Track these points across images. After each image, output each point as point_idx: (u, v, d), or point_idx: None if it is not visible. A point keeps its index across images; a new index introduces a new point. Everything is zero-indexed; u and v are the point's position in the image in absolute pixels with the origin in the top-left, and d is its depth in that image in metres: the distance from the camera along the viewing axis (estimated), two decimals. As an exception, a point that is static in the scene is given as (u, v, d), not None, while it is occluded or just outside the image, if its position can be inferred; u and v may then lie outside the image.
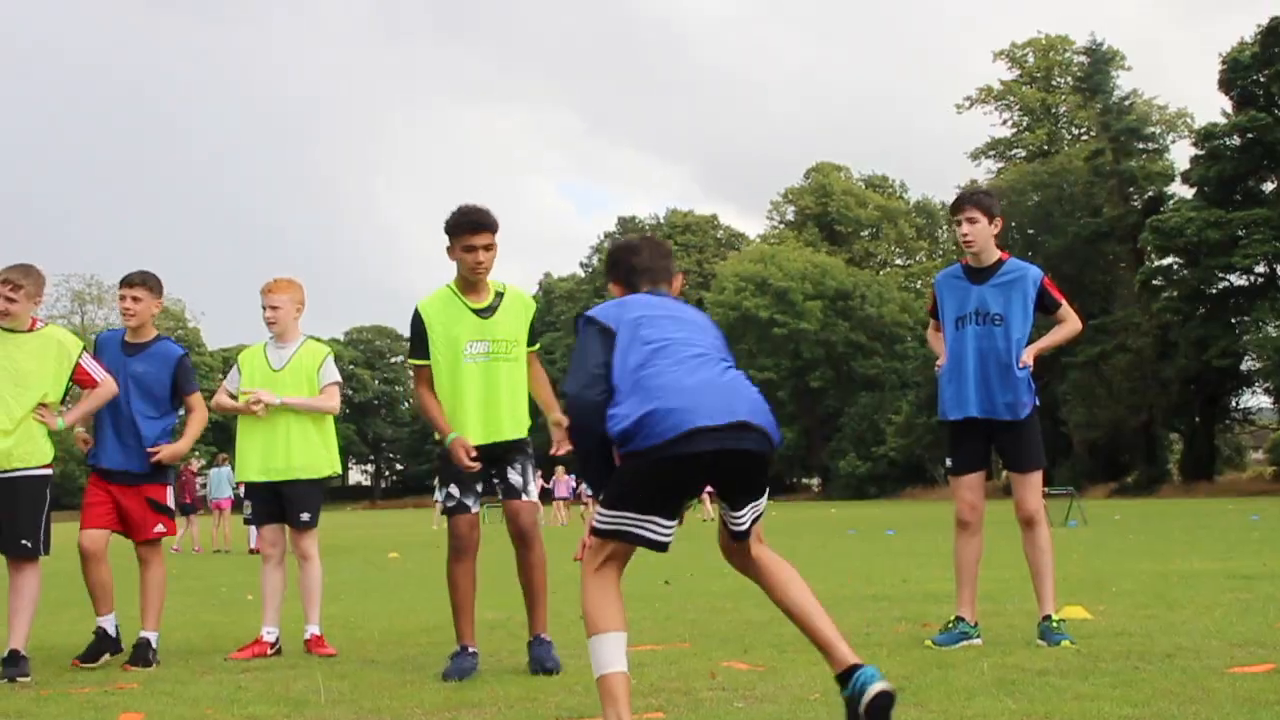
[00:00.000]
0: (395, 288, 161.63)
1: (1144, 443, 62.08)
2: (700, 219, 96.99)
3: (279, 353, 7.79)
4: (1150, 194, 63.45)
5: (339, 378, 7.88)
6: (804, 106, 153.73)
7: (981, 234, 6.93)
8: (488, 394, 6.38)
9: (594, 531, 4.01)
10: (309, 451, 7.68)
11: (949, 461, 7.13)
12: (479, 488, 6.43)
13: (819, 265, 77.87)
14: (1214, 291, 58.48)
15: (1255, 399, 64.16)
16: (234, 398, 7.75)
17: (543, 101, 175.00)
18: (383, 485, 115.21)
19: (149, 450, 7.36)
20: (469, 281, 6.42)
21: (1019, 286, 6.94)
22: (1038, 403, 7.03)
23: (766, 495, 4.20)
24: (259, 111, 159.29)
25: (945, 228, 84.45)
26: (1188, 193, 59.83)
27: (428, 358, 6.43)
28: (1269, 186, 57.20)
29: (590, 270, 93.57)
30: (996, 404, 6.90)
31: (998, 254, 7.03)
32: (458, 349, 6.38)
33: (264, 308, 7.77)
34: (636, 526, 3.92)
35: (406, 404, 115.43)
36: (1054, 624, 6.74)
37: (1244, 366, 59.35)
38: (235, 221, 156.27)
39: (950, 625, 6.86)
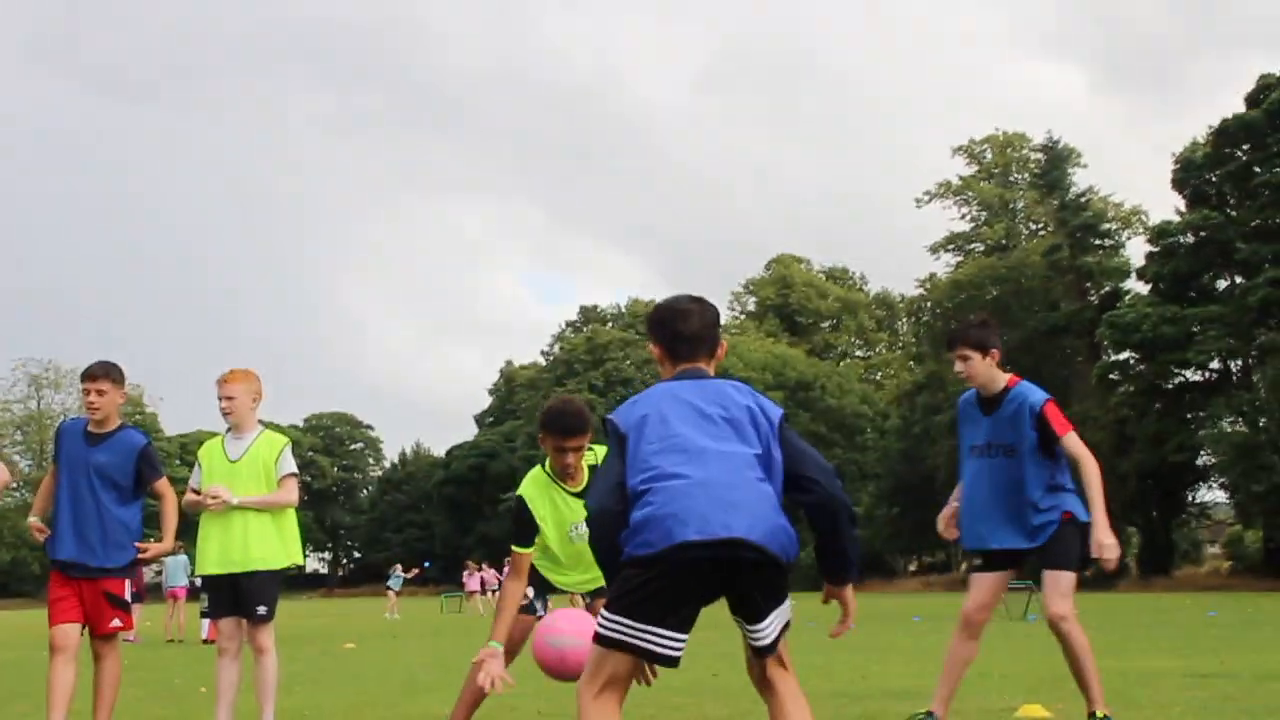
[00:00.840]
0: (356, 375, 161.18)
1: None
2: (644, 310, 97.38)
3: (236, 444, 7.76)
4: (1106, 289, 64.28)
5: (295, 469, 7.84)
6: (764, 199, 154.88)
7: (977, 369, 6.86)
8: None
9: (595, 638, 3.75)
10: (266, 543, 7.62)
11: (979, 560, 7.03)
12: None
13: (780, 356, 78.25)
14: (1170, 387, 59.09)
15: (1211, 494, 64.55)
16: (197, 493, 7.72)
17: (505, 192, 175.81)
18: (340, 573, 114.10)
19: (138, 546, 7.34)
20: (562, 474, 6.45)
21: (1020, 416, 6.78)
22: (1070, 510, 6.77)
23: (788, 604, 3.85)
24: (219, 196, 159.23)
25: (904, 320, 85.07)
26: (1143, 289, 60.62)
27: (531, 545, 6.40)
28: (1222, 284, 58.04)
29: (551, 358, 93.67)
30: (1017, 535, 6.81)
31: (1003, 381, 6.90)
32: (564, 531, 6.47)
33: (220, 399, 7.74)
34: (633, 637, 3.63)
35: (365, 491, 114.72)
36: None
37: (1200, 461, 59.75)
38: (194, 306, 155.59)
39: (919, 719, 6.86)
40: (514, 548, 6.34)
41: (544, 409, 6.34)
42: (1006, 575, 6.95)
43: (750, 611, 3.75)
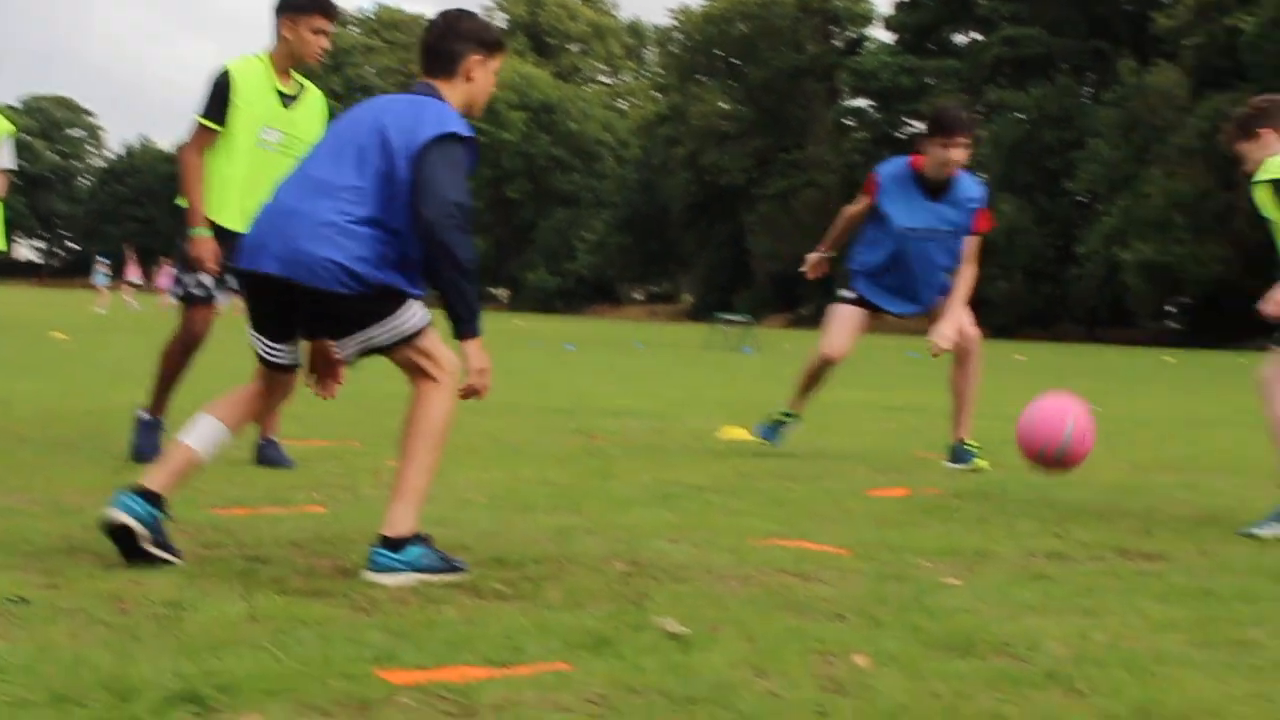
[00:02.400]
0: (79, 56, 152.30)
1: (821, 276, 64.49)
2: (410, 19, 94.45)
3: None
4: (851, 35, 65.04)
5: (13, 165, 7.47)
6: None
7: (966, 160, 6.85)
8: (265, 187, 5.96)
9: None
10: None
11: (845, 293, 7.31)
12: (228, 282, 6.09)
13: (525, 76, 77.17)
14: (902, 136, 60.67)
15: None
16: None
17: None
18: (54, 264, 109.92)
19: None
20: (291, 62, 6.02)
21: (968, 207, 7.03)
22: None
23: (386, 325, 3.76)
24: None
25: (654, 49, 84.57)
26: (887, 38, 61.56)
27: (223, 124, 5.88)
28: (960, 38, 59.36)
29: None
30: (914, 304, 7.27)
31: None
32: (254, 129, 5.95)
33: None
34: (252, 335, 3.92)
35: (84, 181, 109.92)
36: (967, 445, 7.13)
37: (921, 211, 62.08)
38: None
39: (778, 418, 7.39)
40: (200, 119, 5.86)
41: None
42: (867, 316, 7.34)
43: (321, 329, 3.94)
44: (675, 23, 72.74)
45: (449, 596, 3.49)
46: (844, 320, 7.26)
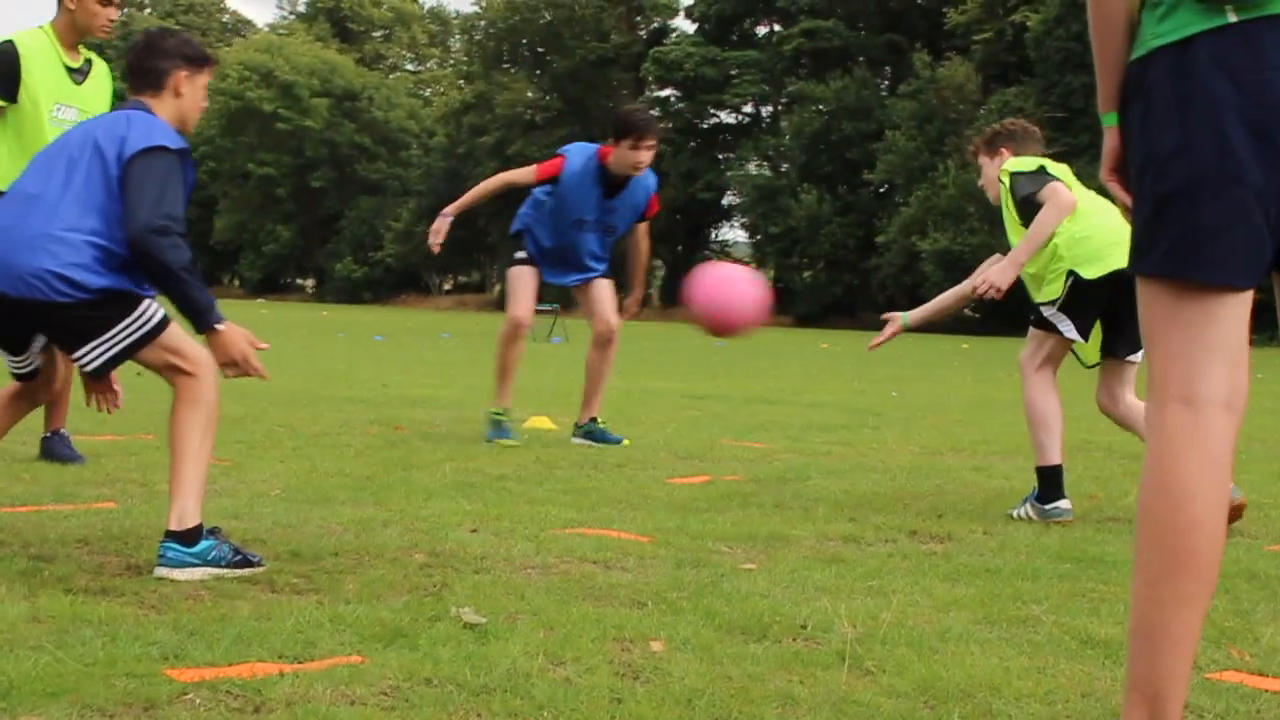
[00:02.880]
0: None
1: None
2: (205, 1, 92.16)
3: None
4: (656, 25, 65.48)
5: None
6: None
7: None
8: None
9: None
10: None
11: (521, 253, 7.52)
12: None
13: (328, 62, 75.87)
14: (706, 127, 61.42)
15: (733, 232, 68.31)
16: None
17: None
18: None
19: None
20: (76, 36, 5.74)
21: (640, 200, 7.46)
22: None
23: (117, 333, 3.70)
24: None
25: (458, 37, 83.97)
26: (690, 28, 62.13)
27: (14, 101, 5.58)
28: (762, 30, 60.21)
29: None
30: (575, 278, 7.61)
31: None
32: (47, 106, 5.65)
33: None
34: None
35: None
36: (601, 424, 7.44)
37: (725, 201, 62.88)
38: None
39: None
40: None
41: None
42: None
43: (58, 344, 3.86)
44: (478, 10, 72.34)
45: (242, 591, 3.43)
46: (526, 282, 7.47)
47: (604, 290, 7.52)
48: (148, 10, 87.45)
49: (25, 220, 3.66)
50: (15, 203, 3.74)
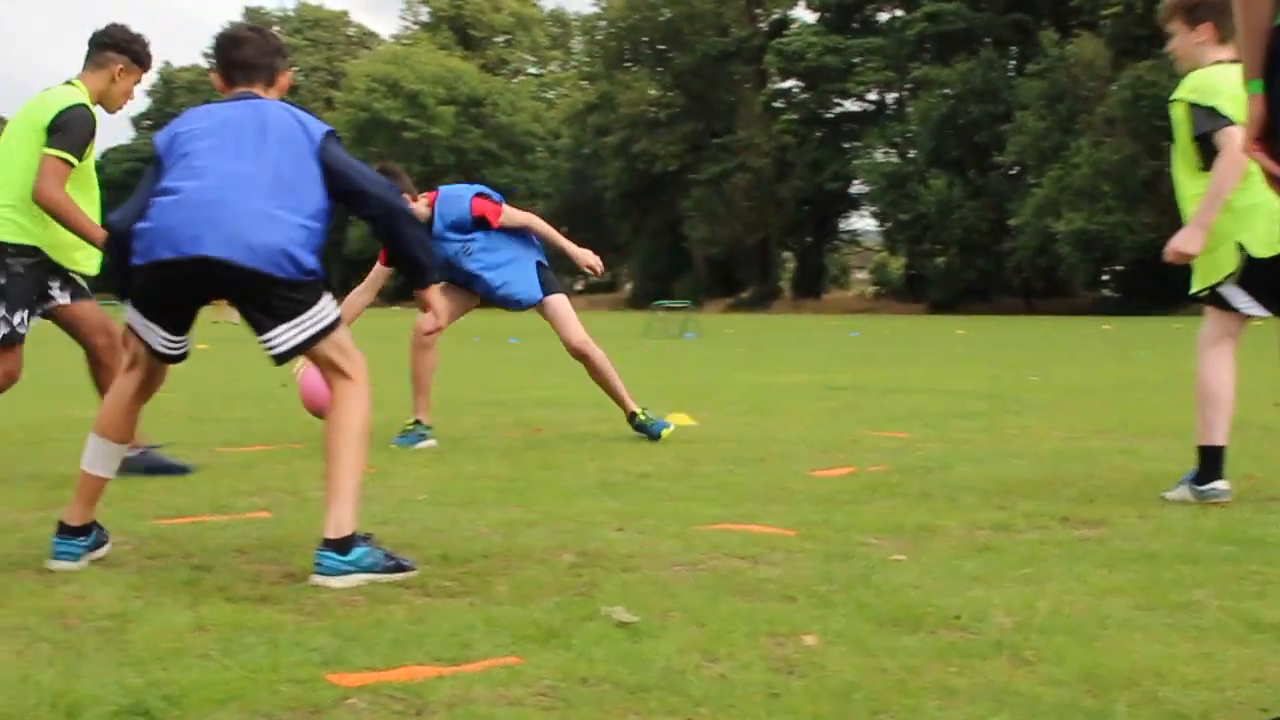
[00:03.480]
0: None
1: (760, 260, 64.75)
2: (331, 15, 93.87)
3: None
4: (776, 17, 65.17)
5: None
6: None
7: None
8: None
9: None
10: None
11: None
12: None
13: (452, 70, 76.82)
14: (830, 116, 61.00)
15: (862, 221, 67.79)
16: None
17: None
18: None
19: None
20: (95, 100, 5.88)
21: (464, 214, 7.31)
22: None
23: (310, 316, 3.80)
24: None
25: (578, 38, 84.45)
26: (811, 18, 61.74)
27: (81, 161, 5.72)
28: (884, 16, 59.61)
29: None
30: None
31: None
32: (90, 159, 5.83)
33: None
34: (142, 328, 3.87)
35: None
36: (644, 417, 7.41)
37: (853, 190, 62.39)
38: None
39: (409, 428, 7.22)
40: (68, 156, 5.60)
41: (129, 36, 5.91)
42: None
43: (252, 324, 3.86)
44: (599, 10, 72.67)
45: (397, 596, 3.47)
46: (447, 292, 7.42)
47: (557, 308, 7.52)
48: (275, 28, 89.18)
49: (248, 197, 3.75)
50: (230, 180, 3.79)
